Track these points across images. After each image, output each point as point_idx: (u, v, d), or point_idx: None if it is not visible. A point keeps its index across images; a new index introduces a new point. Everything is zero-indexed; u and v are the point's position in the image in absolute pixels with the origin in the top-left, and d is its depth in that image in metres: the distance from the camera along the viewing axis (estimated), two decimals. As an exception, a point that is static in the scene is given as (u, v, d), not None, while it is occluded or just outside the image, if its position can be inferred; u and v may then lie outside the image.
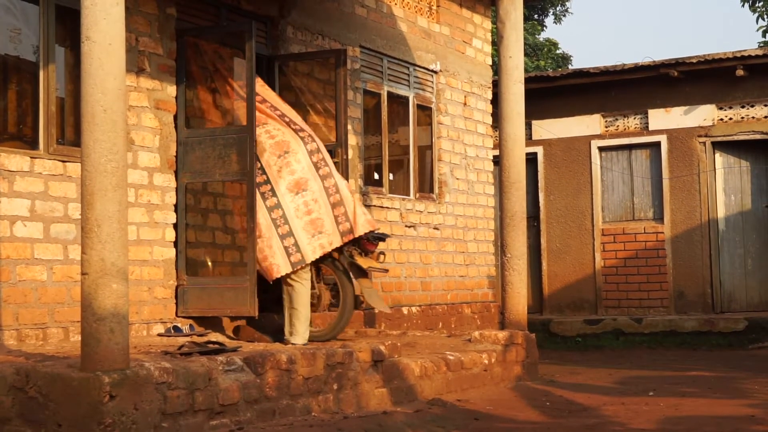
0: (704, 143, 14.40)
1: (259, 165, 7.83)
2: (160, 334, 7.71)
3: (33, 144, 7.11)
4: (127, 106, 6.86)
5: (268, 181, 7.82)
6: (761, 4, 23.06)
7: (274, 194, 7.79)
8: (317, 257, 7.83)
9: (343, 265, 8.10)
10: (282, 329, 8.22)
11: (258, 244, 7.73)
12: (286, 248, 7.73)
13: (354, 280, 8.09)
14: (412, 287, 10.90)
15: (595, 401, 7.36)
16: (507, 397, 7.61)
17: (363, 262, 8.08)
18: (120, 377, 5.11)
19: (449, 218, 11.62)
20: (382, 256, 8.31)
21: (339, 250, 7.99)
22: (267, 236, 7.72)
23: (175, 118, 8.06)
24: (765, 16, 22.64)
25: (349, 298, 8.11)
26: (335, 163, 8.50)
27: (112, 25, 5.32)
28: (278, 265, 7.71)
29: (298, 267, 7.73)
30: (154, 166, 7.86)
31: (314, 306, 8.16)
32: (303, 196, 7.82)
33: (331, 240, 7.85)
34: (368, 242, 8.10)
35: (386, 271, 8.70)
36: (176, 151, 8.03)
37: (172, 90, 8.03)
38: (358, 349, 6.79)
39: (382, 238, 8.37)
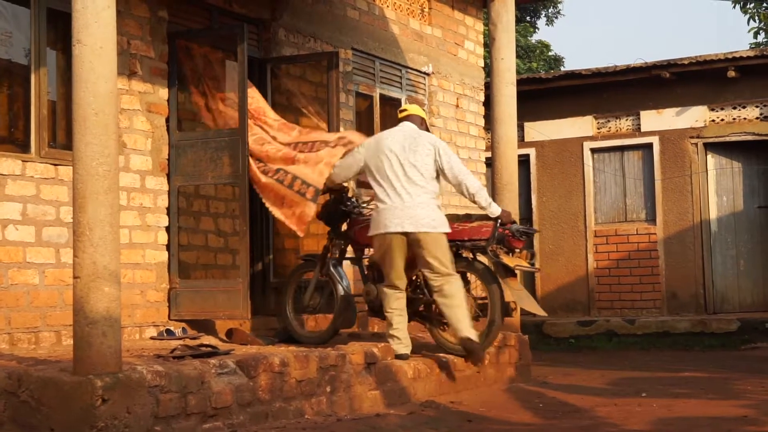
0: (696, 144, 14.42)
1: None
2: (152, 338, 7.70)
3: (24, 147, 7.10)
4: (118, 109, 6.84)
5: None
6: (753, 5, 23.10)
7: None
8: (325, 180, 7.63)
9: (485, 266, 7.48)
10: (276, 331, 8.20)
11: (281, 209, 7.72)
12: (298, 191, 7.66)
13: (501, 282, 7.41)
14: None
15: (588, 402, 7.36)
16: (500, 399, 7.61)
17: (510, 261, 7.36)
18: (112, 381, 5.10)
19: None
20: (531, 255, 7.47)
21: (482, 249, 7.44)
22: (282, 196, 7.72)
23: (167, 121, 8.05)
24: (756, 18, 22.66)
25: (497, 303, 7.43)
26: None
27: (103, 28, 5.32)
28: (302, 210, 7.65)
29: (318, 197, 7.61)
30: (146, 169, 7.85)
31: (428, 318, 7.71)
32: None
33: (333, 153, 7.69)
34: (514, 238, 7.41)
35: (538, 270, 7.77)
36: (168, 154, 8.02)
37: (164, 93, 8.02)
38: (351, 352, 6.79)
39: (530, 233, 7.66)
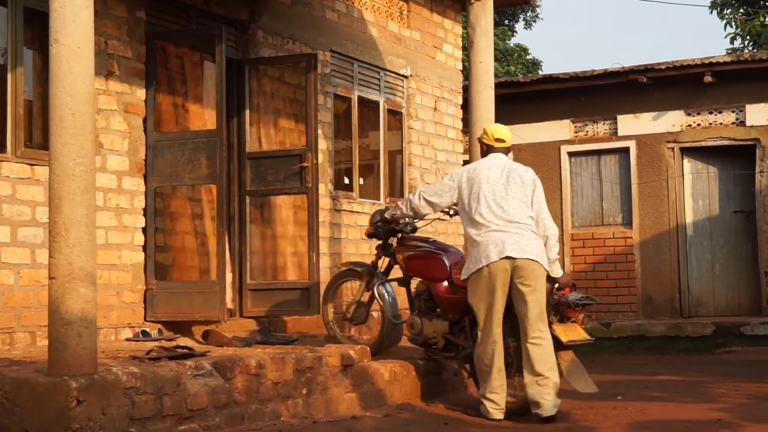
0: (673, 149, 14.51)
1: None
2: (128, 339, 7.67)
3: (0, 147, 7.05)
4: (95, 109, 6.82)
5: None
6: (729, 11, 23.25)
7: None
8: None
9: None
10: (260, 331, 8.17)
11: None
12: None
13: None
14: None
15: (563, 405, 7.36)
16: (476, 402, 7.61)
17: (563, 332, 6.74)
18: (87, 382, 5.08)
19: (419, 223, 11.61)
20: (587, 320, 6.93)
21: None
22: None
23: (145, 121, 8.02)
24: (733, 23, 22.82)
25: None
26: (304, 167, 8.54)
27: (81, 28, 5.29)
28: None
29: None
30: (123, 170, 7.82)
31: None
32: None
33: None
34: (569, 308, 6.81)
35: (592, 340, 6.98)
36: (145, 155, 7.99)
37: (141, 93, 7.99)
38: (328, 354, 6.78)
39: (590, 302, 6.90)
